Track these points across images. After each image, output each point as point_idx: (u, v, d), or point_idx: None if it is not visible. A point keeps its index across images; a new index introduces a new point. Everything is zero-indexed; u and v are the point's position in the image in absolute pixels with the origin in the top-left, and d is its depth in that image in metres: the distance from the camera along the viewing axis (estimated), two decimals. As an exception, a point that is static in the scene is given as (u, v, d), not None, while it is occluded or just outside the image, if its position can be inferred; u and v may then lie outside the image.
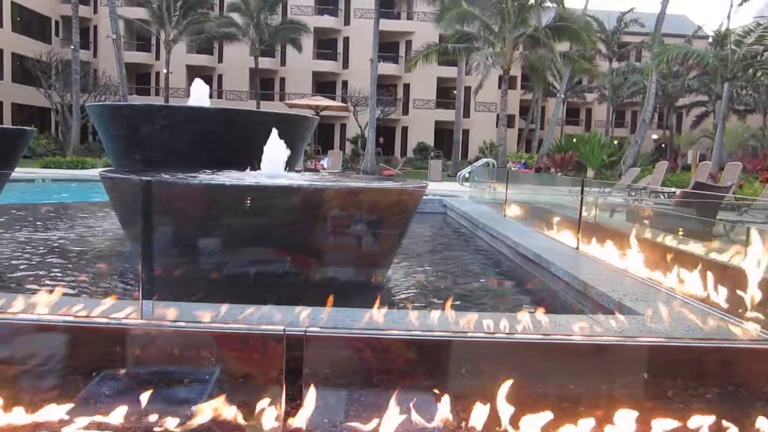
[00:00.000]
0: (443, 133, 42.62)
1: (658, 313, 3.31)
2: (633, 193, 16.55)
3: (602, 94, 46.27)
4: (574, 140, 34.20)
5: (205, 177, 4.43)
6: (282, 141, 5.12)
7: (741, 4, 26.09)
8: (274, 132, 4.77)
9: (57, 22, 43.14)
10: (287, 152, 5.18)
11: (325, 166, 25.04)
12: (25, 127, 5.79)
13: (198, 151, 6.86)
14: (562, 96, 38.38)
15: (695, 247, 5.71)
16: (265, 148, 4.88)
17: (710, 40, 40.32)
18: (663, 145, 47.52)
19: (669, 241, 6.22)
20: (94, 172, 21.58)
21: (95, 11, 43.39)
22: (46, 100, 35.97)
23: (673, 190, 16.51)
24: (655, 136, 47.90)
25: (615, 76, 43.28)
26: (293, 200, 3.96)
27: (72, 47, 32.10)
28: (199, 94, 7.01)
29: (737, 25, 36.99)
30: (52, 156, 27.94)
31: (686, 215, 7.80)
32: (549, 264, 4.95)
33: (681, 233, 6.63)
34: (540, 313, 3.07)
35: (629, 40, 46.62)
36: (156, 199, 3.24)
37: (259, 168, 5.07)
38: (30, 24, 40.35)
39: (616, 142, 38.40)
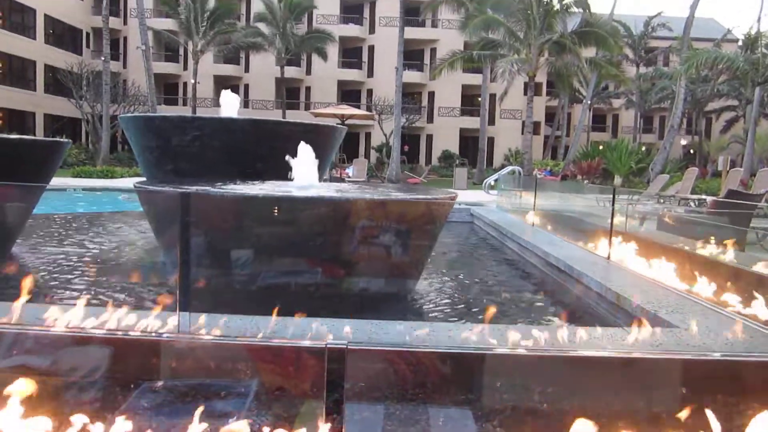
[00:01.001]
0: (468, 140, 42.52)
1: (695, 325, 3.27)
2: (663, 201, 16.35)
3: (629, 99, 45.80)
4: (601, 147, 33.88)
5: (238, 188, 4.48)
6: (311, 151, 5.17)
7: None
8: (303, 144, 4.81)
9: (88, 34, 44.02)
10: (316, 163, 5.23)
11: (351, 174, 25.12)
12: (61, 139, 5.90)
13: (228, 162, 6.95)
14: (589, 102, 38.09)
15: (729, 257, 5.61)
16: (295, 160, 4.92)
17: (740, 43, 39.71)
18: (692, 151, 46.85)
19: (702, 250, 6.12)
20: (124, 182, 21.95)
21: (125, 23, 44.19)
22: (77, 110, 36.68)
23: (703, 197, 16.24)
24: (683, 142, 47.19)
25: (642, 81, 42.80)
26: (325, 212, 3.98)
27: (102, 58, 32.73)
28: (229, 105, 7.10)
29: (768, 28, 36.44)
30: (82, 166, 28.45)
31: (718, 224, 7.68)
32: (580, 275, 4.90)
33: (714, 242, 6.53)
34: (574, 326, 3.05)
35: (657, 44, 46.08)
36: (191, 211, 3.28)
37: (290, 179, 5.12)
38: (62, 36, 41.24)
39: (644, 148, 37.94)
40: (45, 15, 38.75)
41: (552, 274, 5.64)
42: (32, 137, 6.29)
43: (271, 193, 4.09)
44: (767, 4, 31.24)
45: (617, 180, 28.64)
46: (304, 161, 4.97)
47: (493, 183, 20.81)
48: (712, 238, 6.62)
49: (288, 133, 6.89)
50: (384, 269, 4.46)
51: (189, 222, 3.21)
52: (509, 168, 21.55)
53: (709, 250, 6.14)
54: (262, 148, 6.76)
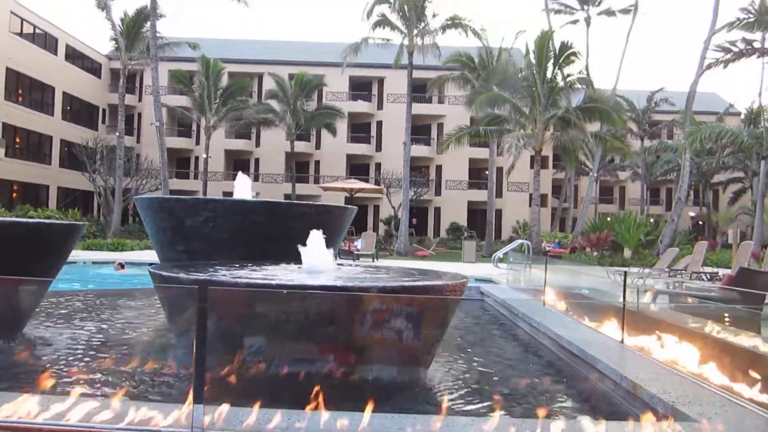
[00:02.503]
0: (476, 212, 42.77)
1: (715, 419, 3.20)
2: (673, 274, 16.23)
3: (635, 172, 46.23)
4: (609, 219, 33.93)
5: (251, 274, 4.52)
6: (322, 232, 5.22)
7: (772, 83, 26.14)
8: (315, 232, 4.87)
9: (104, 110, 45.31)
10: (326, 246, 5.27)
11: (359, 247, 25.15)
12: (78, 222, 6.00)
13: (240, 242, 7.01)
14: (595, 175, 38.45)
15: (746, 340, 5.54)
16: (306, 246, 4.97)
17: (742, 116, 40.35)
18: (700, 223, 46.85)
19: (717, 332, 6.05)
20: (133, 255, 22.08)
21: (140, 99, 45.54)
22: (89, 183, 37.31)
23: (716, 271, 16.14)
24: (692, 214, 47.30)
25: (647, 154, 43.33)
26: (336, 300, 4.00)
27: (117, 134, 33.55)
28: (242, 187, 7.23)
29: (769, 102, 37.08)
30: (93, 238, 28.69)
31: (732, 305, 7.61)
32: (595, 360, 4.84)
33: (728, 323, 6.45)
34: (591, 420, 2.99)
35: (660, 118, 46.89)
36: (206, 299, 3.31)
37: (300, 262, 5.15)
38: (79, 112, 42.44)
39: (652, 220, 38.01)
40: (63, 93, 40.01)
41: (565, 358, 5.56)
42: (50, 221, 6.40)
43: (284, 281, 4.11)
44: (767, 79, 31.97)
45: (627, 252, 28.51)
46: (314, 246, 5.02)
47: (501, 256, 20.78)
48: (726, 318, 6.55)
49: (300, 214, 6.99)
50: (395, 356, 4.42)
51: (203, 310, 3.23)
52: (518, 242, 21.57)
53: (724, 331, 6.07)
54: (274, 229, 6.83)
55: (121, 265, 17.15)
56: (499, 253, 20.85)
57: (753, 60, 24.56)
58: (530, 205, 34.18)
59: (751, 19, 24.65)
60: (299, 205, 8.17)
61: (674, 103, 41.86)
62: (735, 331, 6.04)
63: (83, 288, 12.38)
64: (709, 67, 25.23)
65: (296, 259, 5.18)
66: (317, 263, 4.92)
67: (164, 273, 4.36)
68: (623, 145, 31.29)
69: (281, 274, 4.79)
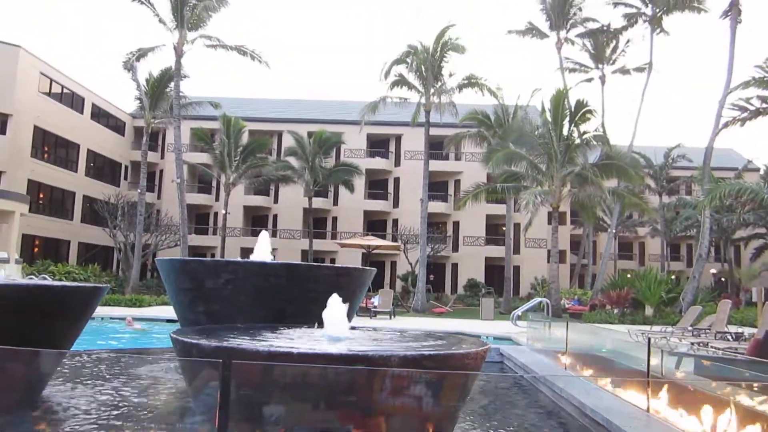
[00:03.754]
0: (494, 269, 42.49)
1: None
2: (697, 334, 15.90)
3: (655, 228, 45.86)
4: (629, 276, 33.53)
5: (275, 343, 4.51)
6: (341, 294, 5.22)
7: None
8: (334, 296, 4.87)
9: (126, 167, 46.22)
10: (345, 309, 5.25)
11: (376, 304, 25.02)
12: (100, 285, 6.06)
13: (260, 304, 7.03)
14: (614, 231, 38.19)
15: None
16: (326, 311, 4.96)
17: (762, 172, 40.15)
18: (723, 279, 46.08)
19: (746, 400, 5.88)
20: (152, 311, 22.14)
21: (162, 156, 46.47)
22: (110, 238, 37.76)
23: (741, 331, 15.81)
24: (713, 271, 46.61)
25: (666, 210, 43.06)
26: (357, 369, 3.97)
27: (139, 191, 34.12)
28: (263, 249, 7.29)
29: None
30: (111, 293, 28.85)
31: (763, 372, 7.40)
32: (620, 431, 4.72)
33: (758, 389, 6.26)
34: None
35: (678, 174, 46.78)
36: (230, 370, 3.30)
37: (320, 324, 5.14)
38: (102, 169, 43.33)
39: (673, 276, 37.50)
40: (88, 150, 40.95)
41: (590, 427, 5.43)
42: (74, 284, 6.46)
43: (308, 351, 4.10)
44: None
45: (648, 310, 28.05)
46: (334, 311, 5.01)
47: (520, 314, 20.54)
48: (756, 386, 6.36)
49: (319, 276, 7.01)
50: (416, 424, 4.35)
51: (229, 382, 3.23)
52: (536, 300, 21.35)
53: (754, 399, 5.90)
54: (294, 291, 6.84)
55: (132, 321, 17.21)
56: (518, 311, 20.62)
57: (770, 118, 24.60)
58: (548, 262, 33.95)
59: (767, 78, 24.83)
60: (318, 267, 8.19)
61: (692, 160, 41.81)
62: (765, 399, 5.86)
63: (102, 346, 12.40)
64: (726, 125, 25.30)
65: (316, 320, 5.17)
66: (337, 329, 4.91)
67: (185, 339, 4.37)
68: (641, 201, 31.18)
69: (302, 341, 4.78)
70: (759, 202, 25.72)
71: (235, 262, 6.90)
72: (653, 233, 47.06)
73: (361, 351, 4.21)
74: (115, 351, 10.33)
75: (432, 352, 4.29)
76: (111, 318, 18.83)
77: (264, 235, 7.15)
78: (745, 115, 24.20)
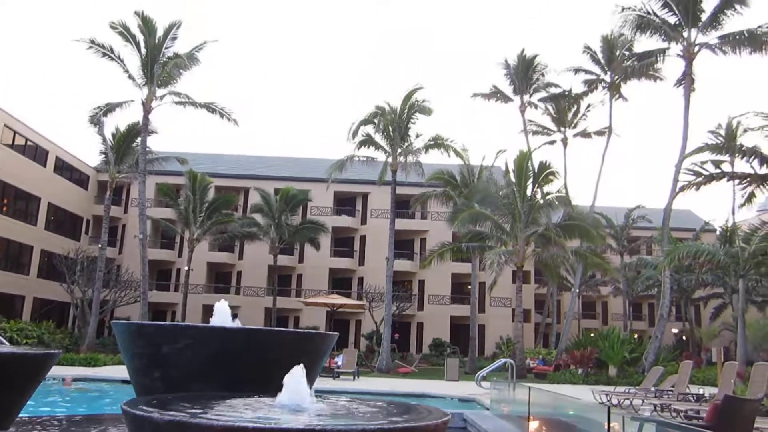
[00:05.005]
0: (459, 328, 42.34)
1: None
2: (660, 395, 15.98)
3: (617, 287, 46.51)
4: (592, 335, 33.74)
5: (229, 415, 4.37)
6: (303, 359, 5.11)
7: (742, 205, 27.08)
8: (297, 368, 4.77)
9: (88, 221, 45.36)
10: (306, 384, 5.13)
11: (340, 364, 24.59)
12: (52, 351, 5.84)
13: (219, 370, 6.82)
14: (577, 290, 38.59)
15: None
16: (287, 379, 4.84)
17: (718, 233, 41.27)
18: (684, 338, 46.65)
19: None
20: (106, 371, 21.35)
21: (125, 211, 45.79)
22: (67, 294, 36.69)
23: (701, 392, 15.94)
24: (675, 330, 47.23)
25: (628, 270, 43.80)
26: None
27: (99, 245, 33.43)
28: (222, 314, 7.13)
29: (742, 218, 38.21)
30: (66, 352, 27.84)
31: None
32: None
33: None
34: None
35: (639, 234, 47.83)
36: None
37: (280, 393, 5.00)
38: (62, 223, 42.43)
39: (636, 336, 37.86)
40: (49, 203, 40.19)
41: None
42: (24, 351, 6.13)
43: (263, 426, 3.98)
44: (738, 200, 33.20)
45: (612, 370, 28.14)
46: (296, 379, 4.90)
47: (485, 375, 20.39)
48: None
49: (280, 342, 6.87)
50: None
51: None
52: (501, 361, 21.24)
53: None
54: (254, 357, 6.68)
55: (70, 381, 16.53)
56: (483, 372, 20.46)
57: (724, 182, 25.52)
58: (513, 321, 33.99)
59: (719, 143, 25.89)
60: (280, 332, 8.06)
61: (651, 220, 42.89)
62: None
63: (47, 413, 11.82)
64: (682, 189, 26.11)
65: (277, 387, 5.03)
66: (298, 399, 4.78)
67: (137, 412, 4.20)
68: (603, 261, 31.73)
69: (262, 411, 4.64)
70: (716, 263, 26.43)
71: (194, 327, 6.72)
72: (615, 293, 47.71)
73: (320, 426, 4.10)
74: (58, 418, 9.85)
75: (390, 426, 4.20)
76: (63, 379, 18.09)
77: (221, 306, 6.99)
78: (699, 179, 25.06)
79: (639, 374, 25.42)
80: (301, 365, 5.03)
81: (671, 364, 25.42)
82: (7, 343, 18.83)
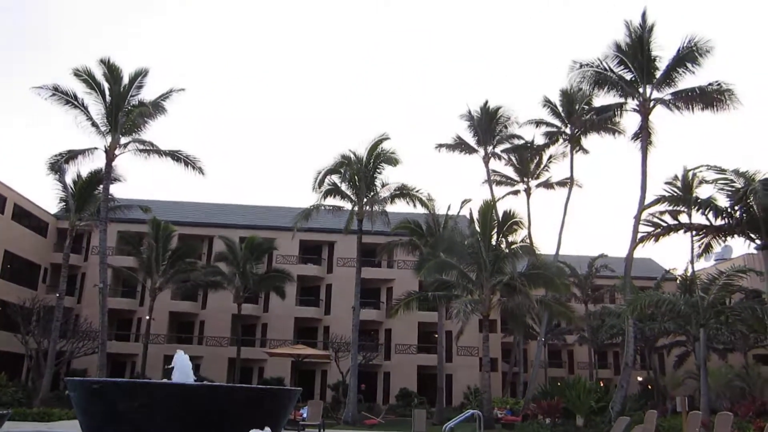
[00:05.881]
0: (426, 377, 41.92)
1: None
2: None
3: (582, 336, 46.75)
4: (559, 384, 33.67)
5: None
6: (265, 414, 5.01)
7: (700, 255, 27.68)
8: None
9: (46, 270, 44.15)
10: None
11: (305, 416, 24.00)
12: (1, 411, 5.61)
13: (175, 426, 6.63)
14: (543, 339, 38.68)
15: None
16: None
17: (678, 282, 42.00)
18: (649, 387, 46.87)
19: None
20: (61, 426, 20.43)
21: (85, 259, 44.73)
22: (21, 345, 35.34)
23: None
24: (640, 378, 47.49)
25: (592, 318, 44.15)
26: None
27: (57, 294, 32.44)
28: (182, 368, 6.97)
29: (701, 267, 39.02)
30: (18, 406, 26.63)
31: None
32: None
33: None
34: None
35: (602, 283, 48.43)
36: None
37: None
38: (19, 271, 41.20)
39: (602, 384, 37.86)
40: (5, 251, 39.10)
41: None
42: None
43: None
44: (696, 251, 33.98)
45: (579, 420, 28.03)
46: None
47: (453, 426, 20.15)
48: None
49: (242, 398, 6.72)
50: None
51: None
52: (468, 413, 21.04)
53: None
54: (215, 414, 6.51)
55: None
56: (450, 424, 20.21)
57: (681, 234, 26.11)
58: (480, 369, 33.79)
59: (677, 195, 26.59)
60: (241, 389, 7.88)
61: (614, 269, 43.49)
62: None
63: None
64: (642, 240, 26.64)
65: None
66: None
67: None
68: (567, 310, 31.93)
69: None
70: (677, 313, 26.81)
71: (152, 384, 6.57)
72: (581, 341, 47.92)
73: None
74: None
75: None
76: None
77: (181, 357, 6.84)
78: (658, 231, 25.61)
79: (606, 424, 25.37)
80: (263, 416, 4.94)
81: (637, 414, 25.45)
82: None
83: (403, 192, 31.55)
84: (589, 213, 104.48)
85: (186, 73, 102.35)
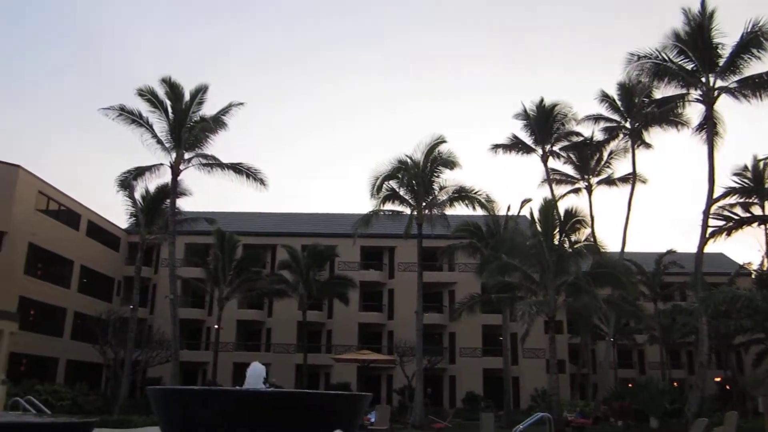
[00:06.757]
0: (492, 380, 41.53)
1: None
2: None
3: (652, 335, 45.32)
4: (630, 385, 32.79)
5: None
6: (338, 420, 5.12)
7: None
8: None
9: (119, 282, 46.00)
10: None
11: (373, 421, 24.21)
12: (89, 420, 5.93)
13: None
14: (611, 339, 37.75)
15: None
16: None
17: (753, 277, 40.22)
18: (727, 387, 45.03)
19: None
20: (140, 433, 21.19)
21: (156, 272, 46.39)
22: (99, 356, 36.90)
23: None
24: (717, 378, 45.63)
25: (662, 317, 42.74)
26: None
27: (131, 306, 33.79)
28: (255, 377, 7.19)
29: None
30: (98, 414, 27.83)
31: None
32: None
33: None
34: None
35: (671, 280, 46.84)
36: None
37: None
38: (95, 285, 43.07)
39: (675, 385, 36.66)
40: (81, 266, 40.94)
41: None
42: (59, 421, 6.13)
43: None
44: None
45: (653, 422, 27.24)
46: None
47: (523, 430, 19.91)
48: None
49: (316, 403, 6.88)
50: None
51: None
52: (538, 415, 20.70)
53: None
54: (290, 420, 6.69)
55: None
56: (520, 427, 19.98)
57: (755, 227, 25.09)
58: (548, 372, 33.24)
59: (747, 186, 25.58)
60: (316, 395, 8.06)
61: (684, 266, 42.00)
62: None
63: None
64: (713, 236, 25.74)
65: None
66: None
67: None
68: (636, 309, 31.09)
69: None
70: (754, 309, 25.73)
71: (227, 392, 6.81)
72: (651, 340, 46.44)
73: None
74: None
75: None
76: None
77: (256, 365, 7.07)
78: (730, 224, 24.69)
79: (682, 426, 24.57)
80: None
81: (715, 415, 24.52)
82: (47, 410, 18.96)
83: (462, 194, 31.36)
84: (655, 209, 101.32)
85: (240, 82, 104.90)
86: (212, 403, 6.69)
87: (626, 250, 35.85)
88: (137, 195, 34.56)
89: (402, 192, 31.64)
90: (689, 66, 27.33)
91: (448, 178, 31.72)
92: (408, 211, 31.88)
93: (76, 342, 39.53)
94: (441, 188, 31.63)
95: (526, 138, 38.30)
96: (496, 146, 38.62)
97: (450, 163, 30.95)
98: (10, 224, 33.58)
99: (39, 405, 21.19)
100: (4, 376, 26.38)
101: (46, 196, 37.33)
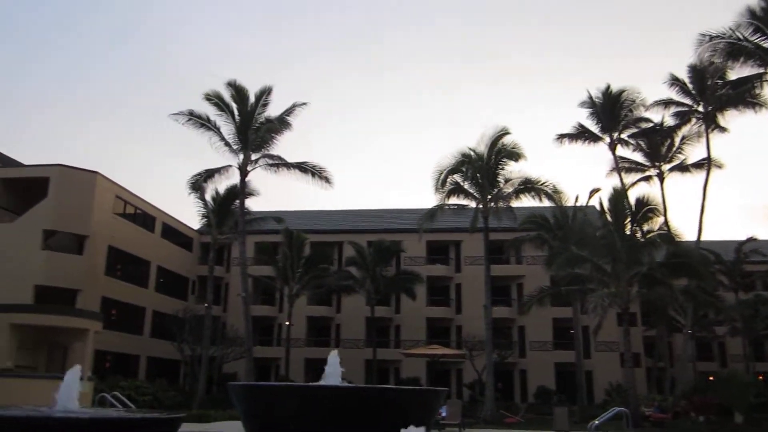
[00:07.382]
0: (564, 374, 40.78)
1: None
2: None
3: (734, 327, 43.43)
4: (711, 379, 31.56)
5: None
6: (414, 416, 5.15)
7: None
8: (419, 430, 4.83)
9: (194, 282, 47.56)
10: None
11: (444, 415, 24.16)
12: (176, 415, 6.18)
13: (331, 427, 6.96)
14: (689, 332, 36.44)
15: None
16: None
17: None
18: (820, 380, 42.74)
19: None
20: (218, 427, 21.88)
21: (227, 270, 47.74)
22: (177, 353, 38.28)
23: None
24: (808, 371, 43.34)
25: (744, 307, 40.89)
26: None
27: (206, 305, 34.89)
28: (333, 373, 7.32)
29: None
30: (178, 408, 28.89)
31: None
32: None
33: None
34: None
35: (753, 269, 44.75)
36: None
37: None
38: (170, 284, 44.69)
39: (760, 378, 35.02)
40: (158, 266, 42.55)
41: None
42: (146, 415, 6.42)
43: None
44: None
45: (738, 417, 26.13)
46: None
47: (599, 424, 19.50)
48: None
49: (390, 399, 6.95)
50: None
51: None
52: (614, 410, 20.25)
53: None
54: (366, 414, 6.78)
55: None
56: (597, 422, 19.58)
57: None
58: (622, 366, 32.41)
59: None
60: (391, 390, 8.14)
61: (766, 254, 40.11)
62: None
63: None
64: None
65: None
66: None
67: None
68: (715, 299, 29.89)
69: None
70: None
71: (305, 388, 6.95)
72: (733, 332, 44.49)
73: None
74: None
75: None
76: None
77: (334, 359, 7.19)
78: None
79: (769, 421, 23.49)
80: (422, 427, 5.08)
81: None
82: (132, 405, 19.84)
83: (528, 186, 30.87)
84: (733, 195, 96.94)
85: (300, 79, 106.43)
86: (292, 397, 6.85)
87: (703, 238, 34.44)
88: (208, 196, 35.67)
89: (467, 185, 31.43)
90: (766, 44, 26.02)
91: (513, 170, 31.31)
92: (473, 204, 31.65)
93: (155, 339, 41.11)
94: (506, 180, 31.25)
95: (593, 126, 37.32)
96: (562, 136, 37.77)
97: (515, 155, 30.55)
98: (91, 228, 35.20)
99: (124, 400, 22.22)
100: (90, 373, 27.79)
101: (122, 200, 38.95)
